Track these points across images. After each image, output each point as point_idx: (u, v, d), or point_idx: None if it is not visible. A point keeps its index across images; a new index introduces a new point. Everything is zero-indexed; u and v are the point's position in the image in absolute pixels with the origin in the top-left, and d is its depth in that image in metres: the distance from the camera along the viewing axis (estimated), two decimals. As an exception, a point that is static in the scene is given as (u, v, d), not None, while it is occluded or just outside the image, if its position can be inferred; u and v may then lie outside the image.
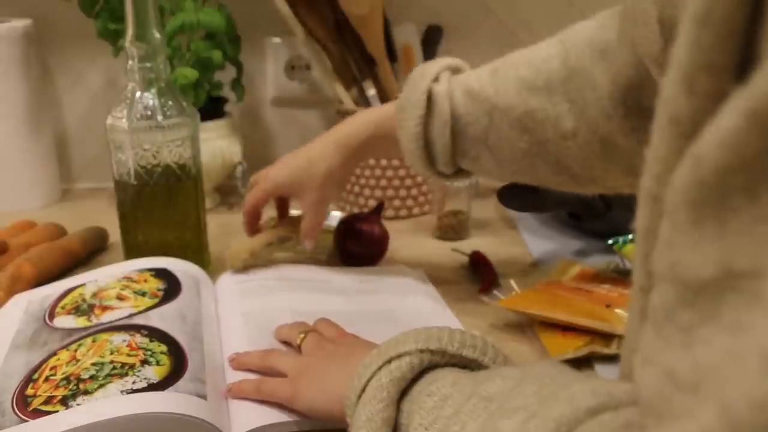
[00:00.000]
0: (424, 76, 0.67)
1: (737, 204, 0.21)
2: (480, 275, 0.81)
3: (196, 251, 0.78)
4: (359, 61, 1.00)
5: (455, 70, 0.69)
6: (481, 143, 0.66)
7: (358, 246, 0.83)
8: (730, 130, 0.20)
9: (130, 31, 0.71)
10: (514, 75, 0.63)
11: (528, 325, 0.69)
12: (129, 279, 0.68)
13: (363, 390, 0.45)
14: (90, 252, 0.86)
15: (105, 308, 0.63)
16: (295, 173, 0.75)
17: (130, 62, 0.72)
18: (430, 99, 0.66)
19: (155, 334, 0.59)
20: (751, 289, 0.21)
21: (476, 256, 0.84)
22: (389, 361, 0.45)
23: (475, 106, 0.65)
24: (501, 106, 0.63)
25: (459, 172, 0.71)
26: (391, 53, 0.97)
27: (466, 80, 0.66)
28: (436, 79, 0.67)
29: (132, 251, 0.76)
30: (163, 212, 0.75)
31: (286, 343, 0.62)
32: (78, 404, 0.50)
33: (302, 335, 0.59)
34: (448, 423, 0.39)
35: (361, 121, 0.73)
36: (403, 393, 0.45)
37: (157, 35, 0.71)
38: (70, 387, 0.52)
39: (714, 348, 0.21)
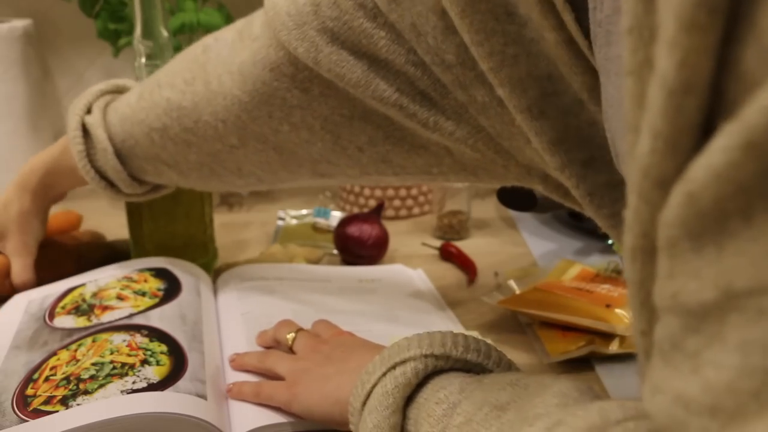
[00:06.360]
0: (75, 110, 0.66)
1: (734, 227, 0.21)
2: (458, 267, 0.83)
3: (203, 244, 0.79)
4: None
5: (115, 92, 0.68)
6: (155, 160, 0.65)
7: (358, 246, 0.83)
8: (725, 164, 0.21)
9: (138, 29, 0.71)
10: (159, 97, 0.62)
11: (528, 325, 0.69)
12: (129, 279, 0.68)
13: (368, 396, 0.45)
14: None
15: (105, 308, 0.63)
16: None
17: (138, 60, 0.72)
18: (85, 131, 0.66)
19: (155, 334, 0.59)
20: (753, 306, 0.21)
21: (446, 247, 0.86)
22: (393, 367, 0.44)
23: (134, 129, 0.64)
24: (156, 127, 0.62)
25: (159, 187, 0.70)
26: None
27: (118, 106, 0.65)
28: (88, 111, 0.66)
29: (139, 245, 0.77)
30: (169, 205, 0.75)
31: (270, 346, 0.61)
32: (78, 404, 0.50)
33: (292, 335, 0.58)
34: None
35: (39, 159, 0.72)
36: (409, 399, 0.44)
37: (165, 33, 0.72)
38: (70, 387, 0.52)
39: (724, 368, 0.22)
